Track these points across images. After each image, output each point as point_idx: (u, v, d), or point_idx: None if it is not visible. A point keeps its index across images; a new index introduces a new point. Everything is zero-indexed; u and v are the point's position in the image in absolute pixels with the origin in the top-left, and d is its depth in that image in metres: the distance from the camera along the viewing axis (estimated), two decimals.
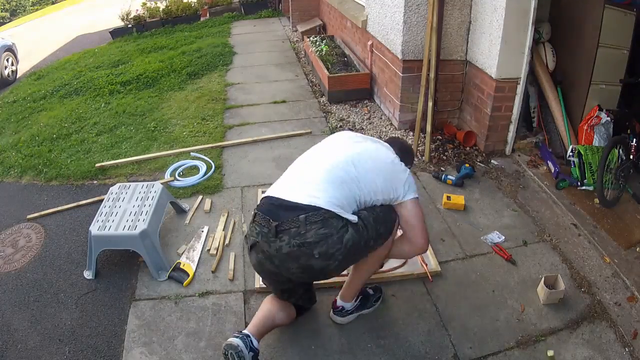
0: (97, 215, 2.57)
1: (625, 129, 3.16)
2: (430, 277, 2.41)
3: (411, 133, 3.90)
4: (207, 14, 9.46)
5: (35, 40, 10.70)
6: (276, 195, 1.84)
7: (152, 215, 2.54)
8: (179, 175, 3.46)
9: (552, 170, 3.22)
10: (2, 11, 17.77)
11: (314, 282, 2.11)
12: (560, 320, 2.18)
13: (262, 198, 1.91)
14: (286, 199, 1.80)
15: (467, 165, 3.29)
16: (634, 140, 3.07)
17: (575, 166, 3.12)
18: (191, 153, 3.74)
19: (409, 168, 2.03)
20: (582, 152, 3.09)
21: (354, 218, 1.79)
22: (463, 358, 2.01)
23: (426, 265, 2.48)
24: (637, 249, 2.56)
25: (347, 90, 4.63)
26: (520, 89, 3.28)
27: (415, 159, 3.58)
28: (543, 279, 2.27)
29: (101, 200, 2.78)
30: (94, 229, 2.45)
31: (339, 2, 5.71)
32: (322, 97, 4.84)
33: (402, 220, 1.94)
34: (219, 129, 4.18)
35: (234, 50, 6.68)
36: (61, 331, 2.23)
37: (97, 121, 4.56)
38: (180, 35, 7.87)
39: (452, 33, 3.56)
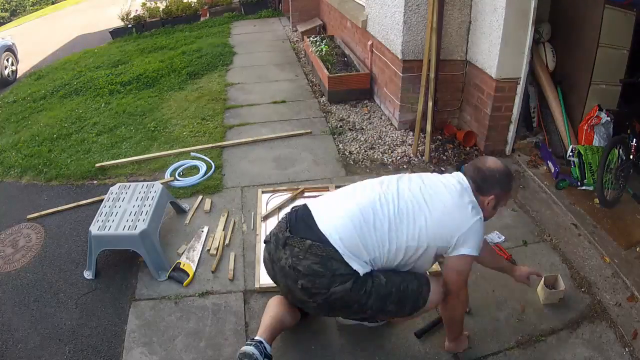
0: (97, 215, 2.57)
1: (625, 129, 3.16)
2: None
3: (411, 133, 3.90)
4: (207, 14, 9.46)
5: (35, 40, 10.69)
6: (310, 208, 1.81)
7: (152, 215, 2.54)
8: (179, 175, 3.46)
9: (552, 170, 3.22)
10: (2, 11, 17.76)
11: None
12: (560, 320, 2.18)
13: (304, 204, 1.88)
14: (313, 215, 1.76)
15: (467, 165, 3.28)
16: (634, 140, 3.06)
17: (575, 166, 3.11)
18: (191, 153, 3.74)
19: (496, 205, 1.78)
20: (582, 152, 3.08)
21: (359, 269, 1.65)
22: (463, 358, 2.01)
23: None
24: (637, 249, 2.56)
25: (347, 90, 4.63)
26: (520, 89, 3.28)
27: (415, 159, 3.58)
28: (543, 279, 2.27)
29: (101, 200, 2.78)
30: (94, 229, 2.45)
31: (339, 2, 5.71)
32: (322, 97, 4.84)
33: (446, 270, 1.77)
34: (219, 129, 4.18)
35: (234, 50, 6.68)
36: (61, 331, 2.23)
37: (97, 121, 4.56)
38: (180, 35, 7.86)
39: (452, 33, 3.56)
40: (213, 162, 3.58)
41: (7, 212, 3.23)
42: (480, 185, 1.76)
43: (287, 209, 2.91)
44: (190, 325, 2.21)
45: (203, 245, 2.72)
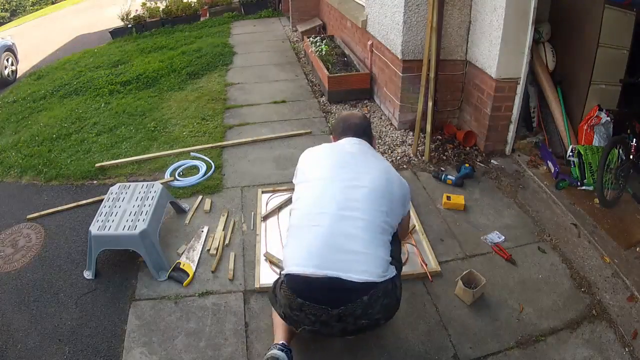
0: (97, 215, 2.57)
1: (625, 129, 3.16)
2: (430, 277, 2.41)
3: (411, 133, 3.89)
4: (207, 14, 9.46)
5: (35, 40, 10.69)
6: (319, 275, 1.62)
7: (152, 215, 2.54)
8: (179, 175, 3.46)
9: (552, 170, 3.22)
10: (2, 11, 17.75)
11: None
12: (560, 320, 2.18)
13: (296, 276, 1.66)
14: (333, 276, 1.61)
15: (467, 165, 3.29)
16: (634, 140, 3.06)
17: (575, 166, 3.12)
18: (191, 153, 3.74)
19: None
20: (582, 152, 3.09)
21: (394, 272, 1.76)
22: (463, 358, 2.01)
23: (426, 265, 2.48)
24: (637, 249, 2.56)
25: (347, 90, 4.63)
26: (520, 89, 3.28)
27: (415, 159, 3.58)
28: (460, 281, 2.28)
29: (101, 200, 2.78)
30: (94, 229, 2.45)
31: (339, 2, 5.71)
32: (322, 97, 4.84)
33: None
34: (218, 129, 4.18)
35: (234, 50, 6.68)
36: (61, 331, 2.23)
37: (97, 121, 4.55)
38: (180, 35, 7.86)
39: (452, 33, 3.56)
40: (213, 162, 3.58)
41: (7, 212, 3.23)
42: (369, 134, 2.06)
43: (286, 210, 2.94)
44: (190, 325, 2.21)
45: (203, 245, 2.72)
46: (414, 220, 2.82)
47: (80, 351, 2.13)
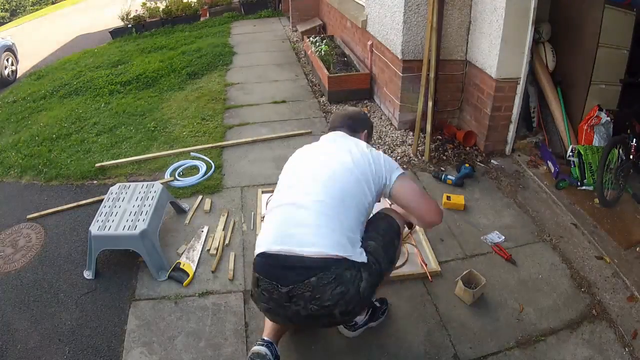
0: (97, 215, 2.57)
1: (625, 129, 3.16)
2: (430, 277, 2.41)
3: (411, 133, 3.89)
4: (207, 14, 9.46)
5: (35, 40, 10.69)
6: (274, 251, 1.65)
7: (152, 215, 2.54)
8: (179, 175, 3.46)
9: (552, 170, 3.22)
10: (2, 11, 17.75)
11: None
12: (560, 320, 2.18)
13: (259, 255, 1.71)
14: (287, 253, 1.62)
15: (467, 165, 3.29)
16: (634, 140, 3.06)
17: (575, 166, 3.12)
18: (191, 153, 3.74)
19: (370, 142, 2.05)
20: (582, 152, 3.09)
21: (364, 259, 1.67)
22: (463, 358, 2.01)
23: (426, 265, 2.48)
24: (637, 249, 2.56)
25: (347, 90, 4.63)
26: (520, 89, 3.28)
27: (415, 159, 3.58)
28: (459, 281, 2.27)
29: (101, 200, 2.78)
30: (94, 229, 2.45)
31: (339, 2, 5.71)
32: (322, 97, 4.84)
33: (402, 206, 1.88)
34: (218, 129, 4.18)
35: (233, 50, 6.68)
36: (61, 331, 2.23)
37: (97, 121, 4.55)
38: (180, 35, 7.86)
39: (452, 33, 3.56)
40: (213, 162, 3.58)
41: (7, 212, 3.23)
42: (352, 126, 2.03)
43: None
44: (190, 325, 2.21)
45: (203, 245, 2.72)
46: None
47: (80, 351, 2.13)
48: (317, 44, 5.64)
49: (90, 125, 4.48)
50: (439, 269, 2.46)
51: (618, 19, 3.16)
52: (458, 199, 2.98)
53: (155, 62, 6.17)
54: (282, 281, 1.62)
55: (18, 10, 18.50)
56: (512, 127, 3.46)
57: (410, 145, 3.75)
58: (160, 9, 8.78)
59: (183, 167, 3.55)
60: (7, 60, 7.41)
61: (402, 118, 3.94)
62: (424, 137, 3.59)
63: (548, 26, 3.48)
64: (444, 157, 3.57)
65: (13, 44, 7.76)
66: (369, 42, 4.51)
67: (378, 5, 4.13)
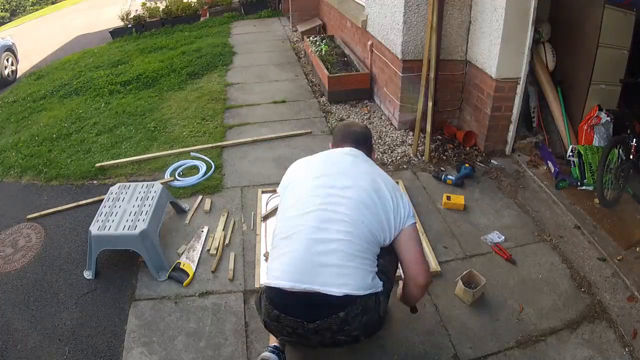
0: (97, 215, 2.57)
1: (625, 129, 3.16)
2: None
3: (411, 133, 3.89)
4: (207, 14, 9.46)
5: (35, 40, 10.69)
6: (295, 288, 1.57)
7: (152, 215, 2.54)
8: (179, 175, 3.46)
9: (552, 170, 3.22)
10: (2, 11, 17.76)
11: None
12: (560, 320, 2.18)
13: (274, 289, 1.63)
14: (309, 291, 1.56)
15: (467, 165, 3.29)
16: (634, 140, 3.06)
17: (575, 166, 3.12)
18: (191, 153, 3.74)
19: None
20: (582, 152, 3.09)
21: (380, 286, 1.66)
22: (463, 358, 2.01)
23: None
24: (637, 249, 2.56)
25: (347, 90, 4.63)
26: (520, 89, 3.28)
27: (415, 159, 3.58)
28: (459, 281, 2.27)
29: (101, 200, 2.78)
30: (94, 229, 2.45)
31: (338, 2, 5.71)
32: (322, 97, 4.84)
33: (400, 251, 1.75)
34: (219, 129, 4.18)
35: (233, 50, 6.68)
36: (61, 331, 2.23)
37: (97, 121, 4.55)
38: (180, 35, 7.86)
39: (452, 33, 3.56)
40: (213, 162, 3.58)
41: (7, 212, 3.23)
42: (367, 145, 1.94)
43: None
44: (190, 325, 2.21)
45: (203, 245, 2.72)
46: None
47: (80, 351, 2.13)
48: (317, 44, 5.65)
49: (90, 125, 4.48)
50: (439, 269, 2.46)
51: (618, 19, 3.16)
52: (458, 199, 2.98)
53: (155, 62, 6.17)
54: (309, 318, 1.59)
55: (18, 10, 18.51)
56: (512, 127, 3.46)
57: (410, 145, 3.75)
58: (160, 9, 8.78)
59: (183, 167, 3.55)
60: (7, 60, 7.41)
61: (402, 118, 3.94)
62: (424, 137, 3.59)
63: (548, 26, 3.48)
64: (444, 157, 3.56)
65: (13, 44, 7.76)
66: (369, 42, 4.51)
67: (378, 5, 4.13)
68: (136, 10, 8.82)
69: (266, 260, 2.54)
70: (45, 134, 4.36)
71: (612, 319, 2.17)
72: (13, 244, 2.89)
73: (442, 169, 3.41)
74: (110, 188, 2.82)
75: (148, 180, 3.30)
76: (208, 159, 3.61)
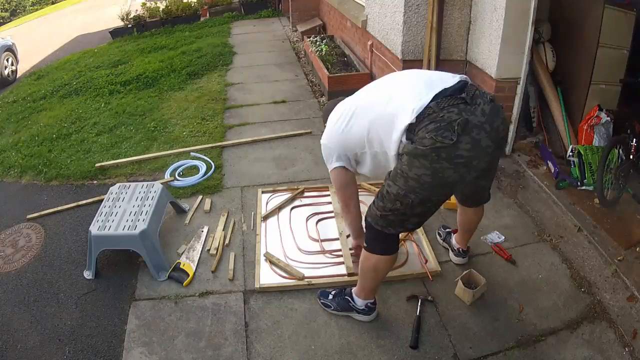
0: (97, 215, 2.57)
1: (625, 129, 3.16)
2: (430, 277, 2.41)
3: None
4: (207, 14, 9.47)
5: (35, 40, 10.70)
6: (432, 93, 1.68)
7: (152, 215, 2.54)
8: (179, 175, 3.46)
9: (552, 170, 3.22)
10: (2, 11, 17.77)
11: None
12: (560, 320, 2.18)
13: (421, 103, 1.70)
14: (441, 88, 1.70)
15: None
16: (634, 140, 3.06)
17: (575, 166, 3.11)
18: (191, 153, 3.75)
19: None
20: (582, 152, 3.08)
21: None
22: (463, 358, 2.01)
23: (426, 261, 2.48)
24: (637, 249, 2.55)
25: (347, 90, 4.61)
26: (520, 89, 3.28)
27: None
28: (459, 281, 2.27)
29: (101, 200, 2.78)
30: (94, 229, 2.45)
31: (339, 2, 5.71)
32: (322, 97, 4.84)
33: None
34: (218, 129, 4.18)
35: (233, 50, 6.68)
36: (61, 331, 2.23)
37: (97, 121, 4.56)
38: (180, 35, 7.87)
39: (452, 33, 3.56)
40: (213, 162, 3.58)
41: (7, 212, 3.23)
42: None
43: (286, 210, 2.95)
44: (190, 325, 2.21)
45: (203, 245, 2.72)
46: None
47: (80, 351, 2.13)
48: (317, 43, 5.65)
49: (90, 125, 4.48)
50: (439, 269, 2.46)
51: (618, 19, 3.16)
52: None
53: (155, 62, 6.18)
54: (458, 93, 1.69)
55: (18, 10, 18.52)
56: (512, 127, 3.45)
57: None
58: (160, 9, 8.78)
59: (183, 167, 3.55)
60: (7, 60, 7.41)
61: None
62: None
63: (548, 26, 3.48)
64: None
65: (13, 44, 7.76)
66: (369, 42, 4.51)
67: (378, 5, 4.13)
68: (136, 10, 8.83)
69: (266, 260, 2.54)
70: (45, 134, 4.37)
71: (612, 319, 2.17)
72: (13, 244, 2.89)
73: None
74: (110, 188, 2.83)
75: (148, 180, 3.30)
76: (208, 159, 3.61)
